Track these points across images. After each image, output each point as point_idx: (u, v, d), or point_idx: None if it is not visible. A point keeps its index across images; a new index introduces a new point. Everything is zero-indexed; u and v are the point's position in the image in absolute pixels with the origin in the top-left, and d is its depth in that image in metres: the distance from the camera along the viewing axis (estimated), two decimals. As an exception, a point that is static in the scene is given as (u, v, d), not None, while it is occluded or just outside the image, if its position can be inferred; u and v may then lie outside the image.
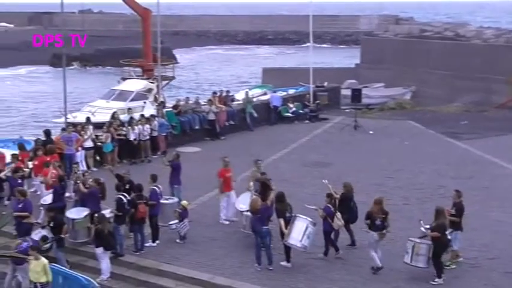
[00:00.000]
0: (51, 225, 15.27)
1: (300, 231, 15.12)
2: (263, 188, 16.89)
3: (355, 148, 27.52)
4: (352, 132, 30.43)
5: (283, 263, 15.48)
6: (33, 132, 34.03)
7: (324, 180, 16.83)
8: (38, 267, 13.22)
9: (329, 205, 15.68)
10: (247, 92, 34.18)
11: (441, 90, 42.41)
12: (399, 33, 54.86)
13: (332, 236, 15.88)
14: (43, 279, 13.24)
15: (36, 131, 34.00)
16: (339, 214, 15.66)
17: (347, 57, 74.34)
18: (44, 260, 13.26)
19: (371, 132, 30.40)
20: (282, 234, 15.35)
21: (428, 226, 14.59)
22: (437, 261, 14.43)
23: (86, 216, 16.36)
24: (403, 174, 23.26)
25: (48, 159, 19.41)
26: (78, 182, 17.26)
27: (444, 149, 27.72)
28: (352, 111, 33.23)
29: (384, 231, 14.96)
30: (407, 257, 14.63)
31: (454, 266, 15.25)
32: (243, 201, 17.28)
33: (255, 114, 31.33)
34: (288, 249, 15.44)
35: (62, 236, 15.30)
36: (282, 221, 15.32)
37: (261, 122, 31.94)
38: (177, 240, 16.90)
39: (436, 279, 14.45)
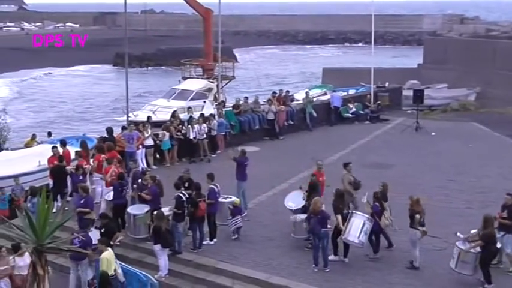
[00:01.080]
0: (102, 231, 15.29)
1: (357, 228, 15.21)
2: (310, 189, 16.80)
3: (416, 150, 26.98)
4: (413, 134, 29.87)
5: (338, 258, 15.56)
6: (95, 130, 34.78)
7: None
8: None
9: (377, 203, 15.70)
10: (307, 92, 33.96)
11: (508, 91, 41.15)
12: (464, 33, 53.76)
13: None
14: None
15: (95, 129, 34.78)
16: (387, 213, 15.73)
17: (409, 57, 73.19)
18: (103, 254, 13.46)
19: (433, 134, 29.75)
20: (338, 231, 15.39)
21: (462, 235, 14.52)
22: (485, 269, 14.13)
23: (147, 212, 16.51)
24: (466, 178, 22.66)
25: (102, 157, 19.70)
26: (140, 194, 17.09)
27: (510, 152, 26.89)
28: (414, 112, 32.62)
29: (424, 228, 14.89)
30: (453, 262, 14.42)
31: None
32: (293, 200, 17.18)
33: (315, 114, 31.12)
34: (346, 245, 15.49)
35: (112, 243, 15.06)
36: (339, 217, 15.40)
37: (321, 122, 31.69)
38: (233, 237, 17.00)
39: (486, 286, 14.15)
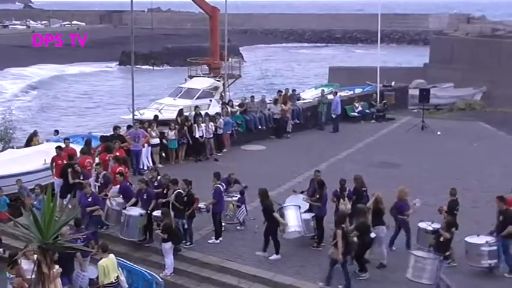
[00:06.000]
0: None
1: (295, 218, 15.84)
2: (319, 186, 16.86)
3: (422, 149, 26.96)
4: (419, 133, 29.85)
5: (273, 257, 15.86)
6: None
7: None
8: None
9: (337, 189, 16.40)
10: (323, 90, 33.78)
11: (513, 91, 41.04)
12: (470, 32, 53.53)
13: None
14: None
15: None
16: (347, 200, 16.19)
17: (416, 56, 73.03)
18: (100, 262, 13.27)
19: (439, 133, 29.76)
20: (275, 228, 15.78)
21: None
22: (359, 259, 14.68)
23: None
24: (471, 177, 22.63)
25: (108, 157, 19.77)
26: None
27: (516, 151, 26.89)
28: (420, 111, 32.60)
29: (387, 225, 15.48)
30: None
31: (455, 264, 15.08)
32: (295, 203, 16.82)
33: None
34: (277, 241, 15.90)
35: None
36: (277, 215, 15.78)
37: (327, 121, 31.60)
38: (238, 227, 17.27)
39: (359, 273, 14.72)
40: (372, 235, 14.68)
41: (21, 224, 10.88)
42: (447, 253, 14.00)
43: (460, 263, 15.05)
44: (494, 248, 14.60)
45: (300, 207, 16.18)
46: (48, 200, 10.04)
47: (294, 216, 15.88)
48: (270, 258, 15.82)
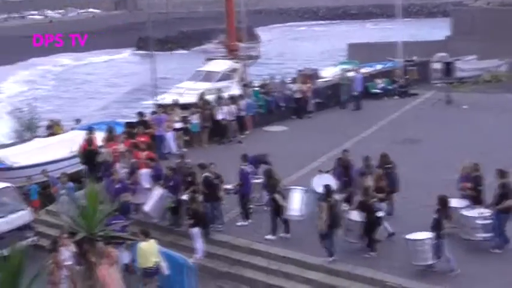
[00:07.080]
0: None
1: (298, 202, 15.68)
2: (344, 168, 16.72)
3: (447, 124, 26.54)
4: (444, 108, 29.40)
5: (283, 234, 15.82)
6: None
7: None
8: None
9: (362, 167, 16.45)
10: (344, 68, 33.49)
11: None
12: (491, 2, 52.65)
13: None
14: None
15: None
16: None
17: (434, 29, 72.05)
18: (140, 244, 13.41)
19: (464, 107, 29.29)
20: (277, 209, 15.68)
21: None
22: (369, 237, 14.65)
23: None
24: (499, 151, 22.16)
25: (131, 142, 19.86)
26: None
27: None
28: (444, 85, 32.12)
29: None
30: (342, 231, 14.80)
31: None
32: (321, 182, 16.45)
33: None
34: (285, 221, 15.82)
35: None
36: (277, 196, 15.68)
37: (349, 99, 31.26)
38: (265, 208, 17.04)
39: (371, 253, 14.63)
40: (379, 214, 14.62)
41: (67, 214, 10.93)
42: (443, 231, 13.56)
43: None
44: (490, 221, 14.30)
45: (306, 190, 15.95)
46: (92, 190, 10.08)
47: (298, 200, 15.73)
48: (266, 237, 15.75)
